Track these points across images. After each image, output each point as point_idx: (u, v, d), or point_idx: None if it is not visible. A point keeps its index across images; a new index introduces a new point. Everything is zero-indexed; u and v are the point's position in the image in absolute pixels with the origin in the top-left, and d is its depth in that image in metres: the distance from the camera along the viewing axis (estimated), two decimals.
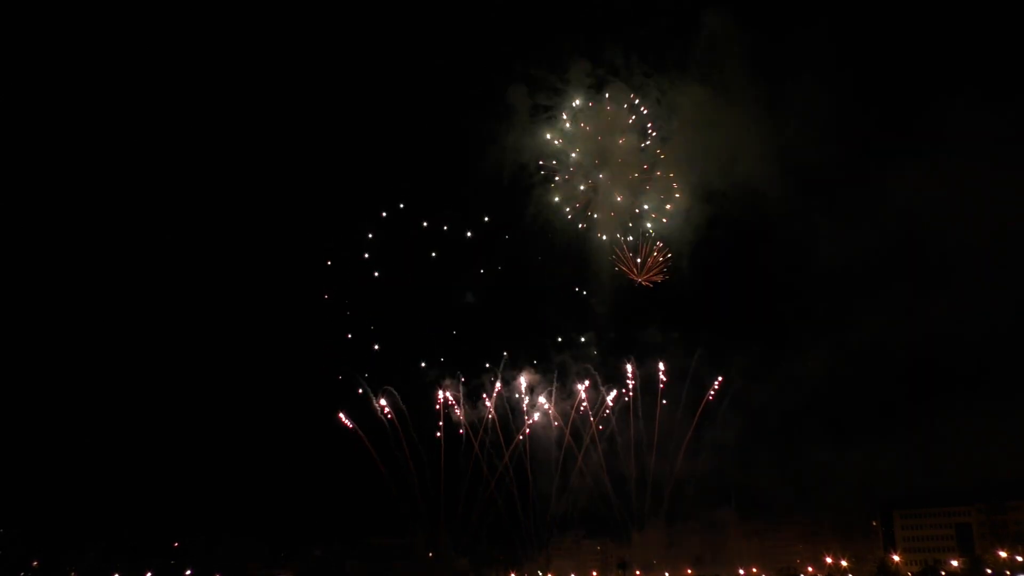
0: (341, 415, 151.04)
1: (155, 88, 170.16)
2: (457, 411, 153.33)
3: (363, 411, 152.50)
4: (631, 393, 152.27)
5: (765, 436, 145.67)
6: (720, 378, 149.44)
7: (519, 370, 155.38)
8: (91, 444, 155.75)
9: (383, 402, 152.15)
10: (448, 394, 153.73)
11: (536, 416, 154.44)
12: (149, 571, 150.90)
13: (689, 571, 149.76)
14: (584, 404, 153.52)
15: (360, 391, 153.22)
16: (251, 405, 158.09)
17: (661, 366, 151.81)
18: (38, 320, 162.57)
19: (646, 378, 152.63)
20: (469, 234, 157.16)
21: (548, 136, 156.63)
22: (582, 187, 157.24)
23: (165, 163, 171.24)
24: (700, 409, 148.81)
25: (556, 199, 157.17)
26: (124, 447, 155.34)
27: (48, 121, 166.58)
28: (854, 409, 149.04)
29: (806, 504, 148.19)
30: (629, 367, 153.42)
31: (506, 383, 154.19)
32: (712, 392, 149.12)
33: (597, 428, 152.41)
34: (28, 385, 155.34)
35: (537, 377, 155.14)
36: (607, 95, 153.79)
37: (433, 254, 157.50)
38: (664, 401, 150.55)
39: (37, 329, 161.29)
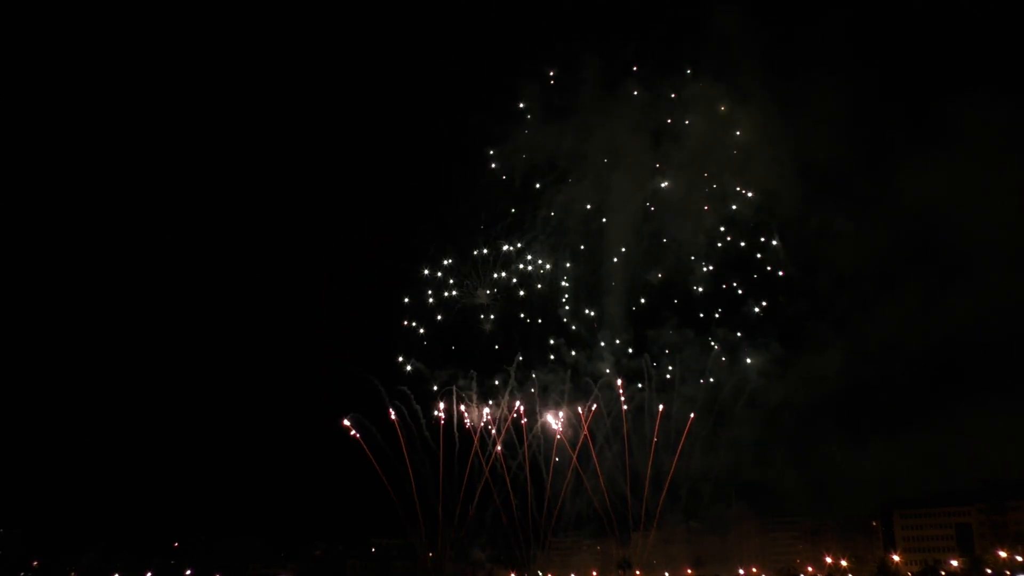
0: (345, 420, 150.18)
1: (161, 95, 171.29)
2: (469, 411, 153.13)
3: (368, 411, 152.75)
4: (645, 392, 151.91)
5: (774, 436, 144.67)
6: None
7: (532, 370, 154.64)
8: (91, 444, 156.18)
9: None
10: (460, 394, 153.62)
11: (548, 416, 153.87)
12: (149, 571, 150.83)
13: (689, 571, 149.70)
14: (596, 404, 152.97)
15: (360, 390, 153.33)
16: (252, 405, 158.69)
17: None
18: (38, 320, 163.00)
19: (661, 378, 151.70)
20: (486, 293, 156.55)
21: (561, 135, 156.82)
22: (595, 187, 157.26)
23: (165, 163, 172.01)
24: (716, 408, 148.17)
25: (569, 199, 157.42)
26: (124, 447, 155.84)
27: (49, 122, 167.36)
28: (867, 409, 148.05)
29: (808, 503, 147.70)
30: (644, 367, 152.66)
31: (519, 383, 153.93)
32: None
33: (611, 428, 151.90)
34: (28, 385, 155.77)
35: (550, 377, 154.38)
36: (620, 93, 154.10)
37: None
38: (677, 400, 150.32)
39: (37, 329, 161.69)
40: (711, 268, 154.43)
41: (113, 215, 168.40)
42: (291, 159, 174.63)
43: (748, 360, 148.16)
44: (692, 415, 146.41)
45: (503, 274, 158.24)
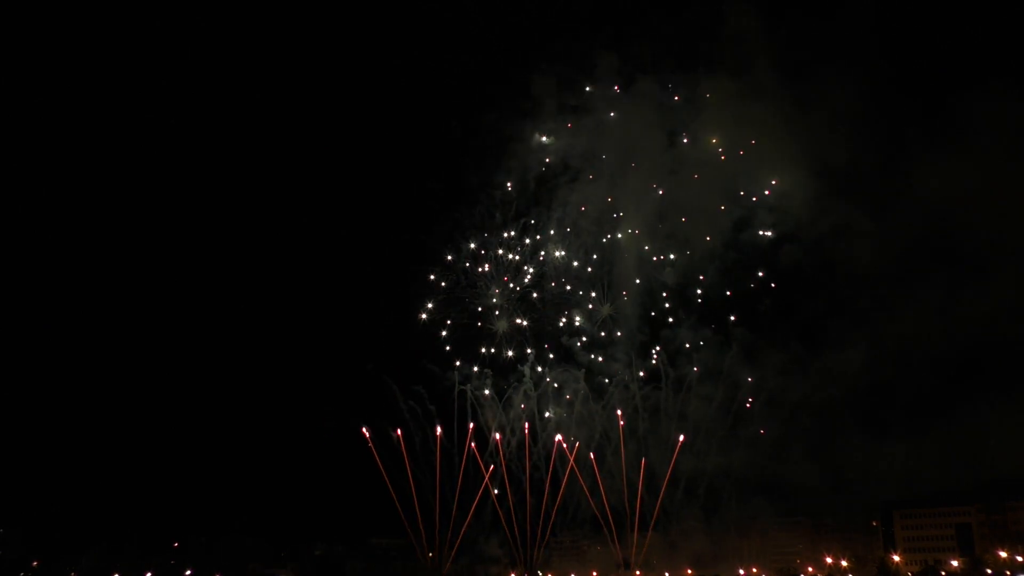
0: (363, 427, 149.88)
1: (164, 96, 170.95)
2: (482, 411, 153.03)
3: (375, 410, 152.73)
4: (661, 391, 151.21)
5: (790, 435, 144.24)
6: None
7: (547, 370, 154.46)
8: (91, 444, 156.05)
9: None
10: (474, 394, 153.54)
11: (558, 416, 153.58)
12: (149, 571, 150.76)
13: (689, 571, 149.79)
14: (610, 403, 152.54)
15: (368, 389, 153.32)
16: (252, 404, 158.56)
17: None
18: (38, 320, 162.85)
19: (676, 378, 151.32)
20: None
21: (575, 134, 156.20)
22: (609, 186, 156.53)
23: (162, 163, 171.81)
24: (734, 408, 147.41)
25: (583, 198, 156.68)
26: (124, 447, 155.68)
27: (49, 122, 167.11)
28: (885, 409, 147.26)
29: (818, 502, 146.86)
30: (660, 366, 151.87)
31: (535, 384, 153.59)
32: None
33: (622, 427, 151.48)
34: (28, 385, 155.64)
35: (564, 377, 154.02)
36: (634, 92, 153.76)
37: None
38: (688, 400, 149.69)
39: (37, 329, 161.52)
40: (727, 267, 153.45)
41: (114, 215, 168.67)
42: (300, 159, 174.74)
43: (766, 360, 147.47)
44: (708, 414, 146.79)
45: (517, 274, 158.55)
